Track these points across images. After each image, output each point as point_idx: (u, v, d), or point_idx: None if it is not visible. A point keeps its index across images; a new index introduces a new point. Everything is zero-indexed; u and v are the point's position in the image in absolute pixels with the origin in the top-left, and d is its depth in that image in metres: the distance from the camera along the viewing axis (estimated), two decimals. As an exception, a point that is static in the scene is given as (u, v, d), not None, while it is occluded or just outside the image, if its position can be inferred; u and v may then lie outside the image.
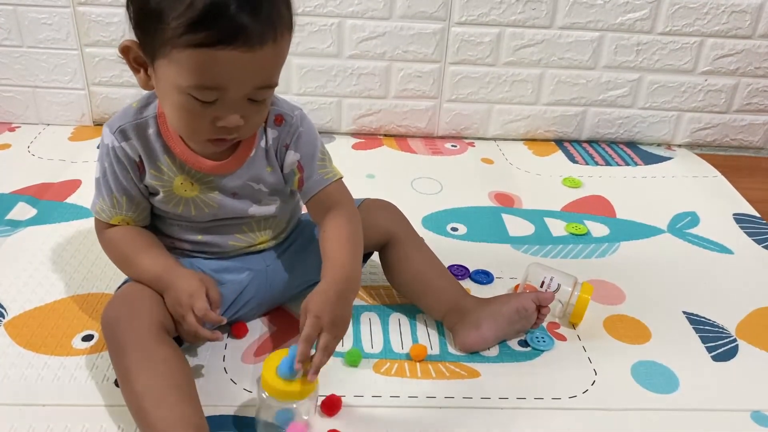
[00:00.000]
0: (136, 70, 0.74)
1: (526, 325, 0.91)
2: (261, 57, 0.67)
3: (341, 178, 0.87)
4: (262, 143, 0.82)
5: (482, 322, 0.88)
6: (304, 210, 0.91)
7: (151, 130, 0.79)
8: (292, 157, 0.83)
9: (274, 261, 0.91)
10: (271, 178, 0.85)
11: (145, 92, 0.80)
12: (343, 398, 0.79)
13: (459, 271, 1.06)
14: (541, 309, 0.90)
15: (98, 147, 0.84)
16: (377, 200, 0.98)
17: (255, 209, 0.86)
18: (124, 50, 0.72)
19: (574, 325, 0.95)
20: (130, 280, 0.84)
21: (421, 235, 0.97)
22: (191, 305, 0.76)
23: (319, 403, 0.77)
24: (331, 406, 0.77)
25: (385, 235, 0.94)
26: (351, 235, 0.82)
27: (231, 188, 0.83)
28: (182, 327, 0.78)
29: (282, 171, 0.85)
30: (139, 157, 0.80)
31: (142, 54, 0.71)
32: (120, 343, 0.73)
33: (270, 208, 0.87)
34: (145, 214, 0.85)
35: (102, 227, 0.86)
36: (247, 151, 0.82)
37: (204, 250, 0.88)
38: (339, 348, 0.85)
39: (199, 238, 0.87)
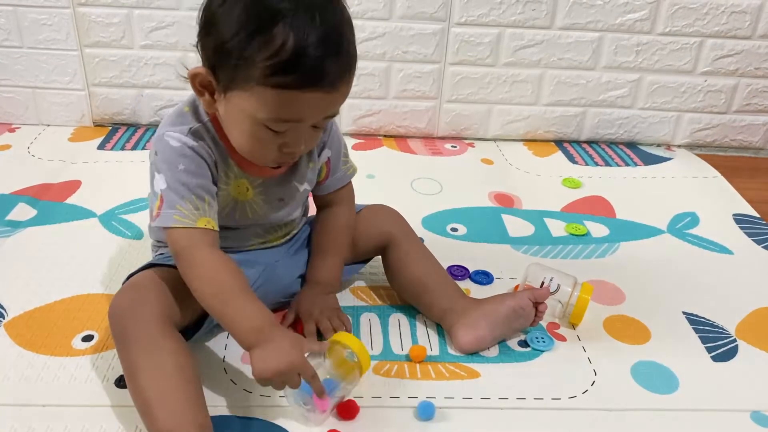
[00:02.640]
0: (200, 93, 0.75)
1: (524, 324, 0.91)
2: (338, 94, 0.72)
3: (356, 172, 0.96)
4: None
5: (479, 323, 0.88)
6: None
7: (213, 133, 0.80)
8: (326, 153, 0.90)
9: (283, 257, 0.93)
10: (311, 174, 0.89)
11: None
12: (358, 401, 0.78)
13: (459, 272, 1.06)
14: (538, 306, 0.90)
15: (153, 157, 0.79)
16: (378, 205, 1.00)
17: (293, 214, 0.90)
18: (193, 77, 0.74)
19: (574, 326, 0.95)
20: (138, 271, 0.83)
21: (420, 236, 0.98)
22: (298, 369, 0.72)
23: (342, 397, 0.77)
24: (348, 410, 0.77)
25: (385, 238, 0.96)
26: (341, 240, 0.94)
27: (278, 193, 0.86)
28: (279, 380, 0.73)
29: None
30: (214, 156, 0.80)
31: (214, 82, 0.72)
32: (126, 336, 0.74)
33: (299, 210, 0.92)
34: (217, 216, 0.80)
35: (188, 251, 0.76)
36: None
37: (224, 245, 0.88)
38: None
39: (224, 233, 0.85)
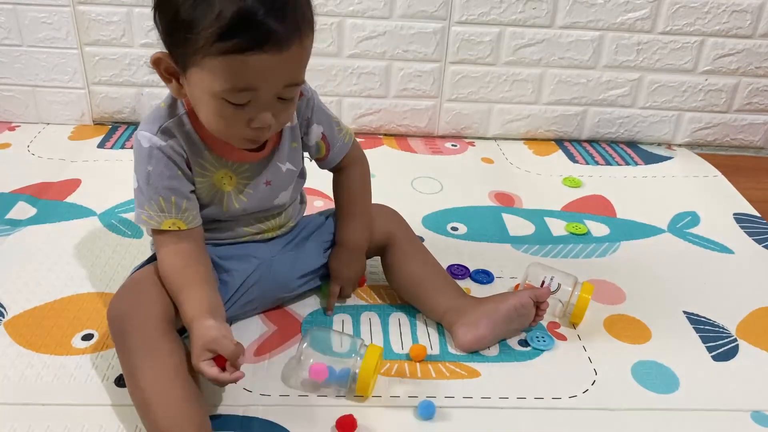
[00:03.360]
0: (168, 80, 0.75)
1: (524, 323, 0.91)
2: (288, 57, 0.70)
3: (353, 135, 0.95)
4: (288, 122, 0.85)
5: (480, 322, 0.88)
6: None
7: (188, 127, 0.80)
8: (316, 130, 0.89)
9: (278, 252, 0.93)
10: (294, 153, 0.89)
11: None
12: (354, 415, 0.77)
13: (459, 271, 1.06)
14: (539, 305, 0.90)
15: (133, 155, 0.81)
16: (377, 205, 0.99)
17: (281, 198, 0.89)
18: (156, 62, 0.74)
19: (574, 325, 0.95)
20: (140, 267, 0.85)
21: (420, 236, 0.98)
22: (200, 367, 0.71)
23: (334, 423, 0.76)
24: (347, 426, 0.76)
25: (385, 238, 0.96)
26: (359, 198, 0.96)
27: (264, 177, 0.86)
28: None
29: (305, 144, 0.90)
30: (185, 153, 0.80)
31: (174, 64, 0.73)
32: (126, 337, 0.74)
33: (288, 194, 0.91)
34: (194, 213, 0.82)
35: (157, 245, 0.82)
36: (278, 134, 0.85)
37: (216, 237, 0.89)
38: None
39: (215, 225, 0.88)
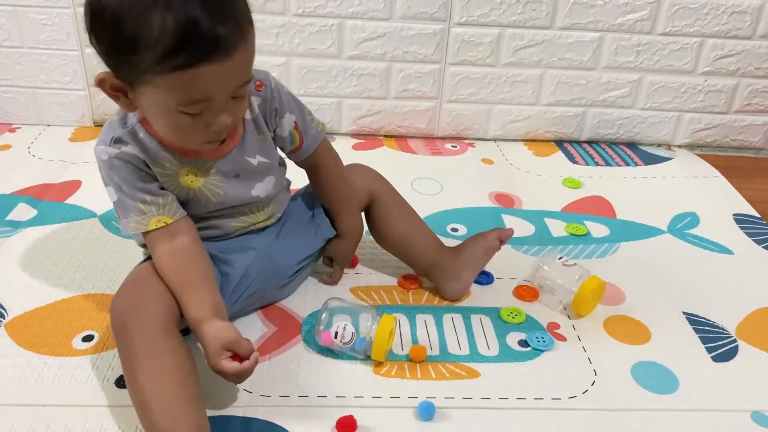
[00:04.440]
0: (116, 98, 0.74)
1: (493, 254, 1.01)
2: (237, 60, 0.69)
3: (324, 127, 0.95)
4: (248, 115, 0.84)
5: (462, 273, 0.98)
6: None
7: (142, 134, 0.80)
8: (288, 119, 0.88)
9: (275, 240, 0.94)
10: (263, 146, 0.87)
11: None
12: (354, 416, 0.77)
13: (459, 272, 1.06)
14: (503, 241, 1.00)
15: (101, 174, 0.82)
16: (357, 165, 1.03)
17: (257, 190, 0.88)
18: (100, 82, 0.73)
19: (579, 316, 0.97)
20: (141, 264, 0.85)
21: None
22: (221, 365, 0.74)
23: (334, 423, 0.77)
24: (347, 427, 0.76)
25: (367, 197, 1.00)
26: (342, 192, 0.98)
27: (232, 170, 0.85)
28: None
29: (278, 135, 0.89)
30: (143, 158, 0.80)
31: (119, 82, 0.72)
32: (128, 335, 0.74)
33: (268, 186, 0.90)
34: (175, 205, 0.83)
35: (152, 247, 0.82)
36: (239, 128, 0.84)
37: (208, 235, 0.89)
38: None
39: (202, 224, 0.88)
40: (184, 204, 0.85)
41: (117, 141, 0.79)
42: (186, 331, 0.81)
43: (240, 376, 0.75)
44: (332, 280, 1.02)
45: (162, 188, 0.82)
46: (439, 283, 0.99)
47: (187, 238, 0.82)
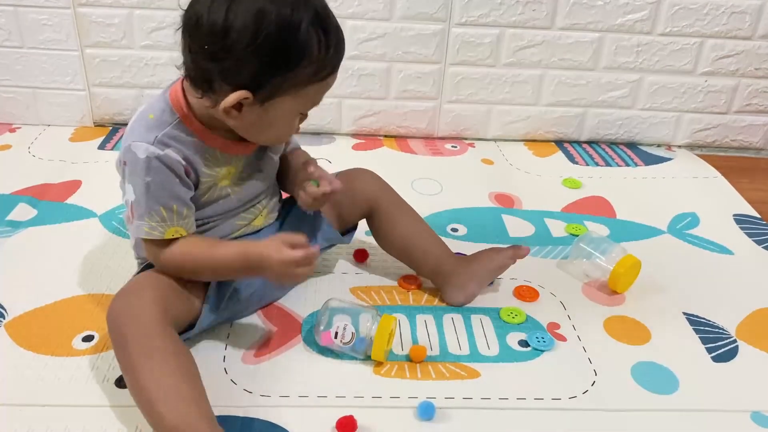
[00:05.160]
0: (229, 113, 0.77)
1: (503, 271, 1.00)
2: None
3: None
4: None
5: (468, 284, 0.97)
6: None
7: (183, 133, 0.80)
8: None
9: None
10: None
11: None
12: (354, 416, 0.77)
13: (459, 272, 1.06)
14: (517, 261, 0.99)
15: (122, 167, 0.81)
16: (357, 169, 1.02)
17: (265, 183, 0.92)
18: (238, 107, 0.76)
19: (615, 293, 1.01)
20: (140, 272, 0.85)
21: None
22: (289, 254, 0.77)
23: (335, 423, 0.76)
24: (347, 427, 0.76)
25: (369, 202, 0.99)
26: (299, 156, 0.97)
27: (258, 166, 0.90)
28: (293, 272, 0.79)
29: None
30: (185, 160, 0.80)
31: (250, 98, 0.75)
32: (125, 339, 0.74)
33: (272, 179, 0.94)
34: (192, 219, 0.83)
35: (157, 251, 0.82)
36: None
37: (212, 236, 0.89)
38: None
39: (210, 225, 0.88)
40: (207, 205, 0.85)
41: (161, 141, 0.79)
42: (181, 333, 0.81)
43: (310, 260, 0.78)
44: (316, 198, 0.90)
45: (192, 197, 0.83)
46: (444, 290, 0.98)
47: (191, 238, 0.84)
